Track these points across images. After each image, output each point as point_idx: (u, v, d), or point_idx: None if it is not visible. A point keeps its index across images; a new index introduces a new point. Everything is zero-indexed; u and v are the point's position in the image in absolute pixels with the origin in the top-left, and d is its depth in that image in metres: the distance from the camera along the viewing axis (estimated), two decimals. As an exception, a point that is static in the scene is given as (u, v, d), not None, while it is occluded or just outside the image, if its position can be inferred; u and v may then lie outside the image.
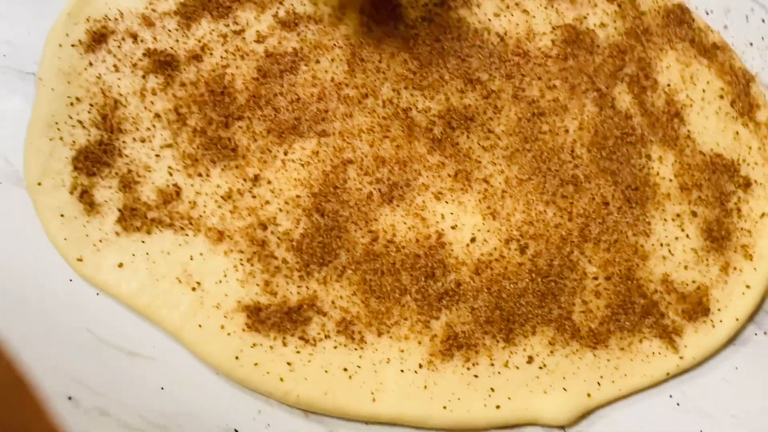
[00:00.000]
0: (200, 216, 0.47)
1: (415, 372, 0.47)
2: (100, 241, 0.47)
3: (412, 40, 0.51)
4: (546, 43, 0.52)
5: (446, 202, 0.49)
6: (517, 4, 0.52)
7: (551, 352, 0.48)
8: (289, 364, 0.46)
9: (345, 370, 0.46)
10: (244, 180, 0.48)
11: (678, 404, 0.49)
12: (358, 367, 0.46)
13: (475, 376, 0.47)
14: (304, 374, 0.46)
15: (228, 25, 0.50)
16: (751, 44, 0.56)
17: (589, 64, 0.52)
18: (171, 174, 0.48)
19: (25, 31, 0.49)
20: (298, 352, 0.46)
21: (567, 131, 0.51)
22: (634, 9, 0.54)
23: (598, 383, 0.48)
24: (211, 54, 0.49)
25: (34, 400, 0.26)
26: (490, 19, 0.52)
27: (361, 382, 0.46)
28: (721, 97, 0.53)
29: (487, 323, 0.48)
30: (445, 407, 0.46)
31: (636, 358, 0.48)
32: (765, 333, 0.51)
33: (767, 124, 0.53)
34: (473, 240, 0.49)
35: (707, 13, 0.55)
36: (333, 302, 0.47)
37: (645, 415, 0.49)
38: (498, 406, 0.46)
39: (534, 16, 0.52)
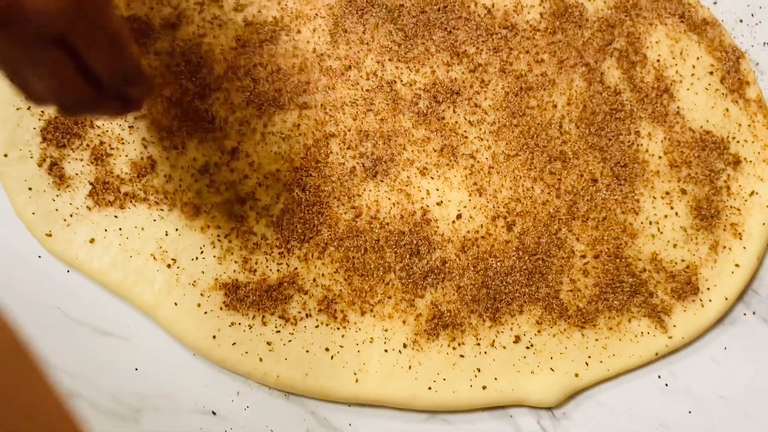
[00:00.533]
0: (176, 190, 0.45)
1: (399, 352, 0.45)
2: (71, 215, 0.45)
3: (396, 11, 0.49)
4: (534, 16, 0.51)
5: (431, 178, 0.48)
6: (504, -24, 0.51)
7: (539, 331, 0.47)
8: (268, 344, 0.44)
9: (327, 350, 0.45)
10: (222, 153, 0.46)
11: (666, 385, 0.48)
12: (341, 346, 0.45)
13: (461, 356, 0.46)
14: (284, 354, 0.44)
15: (205, -7, 0.48)
16: (741, 21, 0.55)
17: (578, 38, 0.51)
18: (145, 146, 0.46)
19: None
20: (278, 331, 0.45)
21: (555, 106, 0.50)
22: (623, -18, 0.52)
23: (586, 363, 0.47)
24: (187, 22, 0.47)
25: (31, 365, 0.26)
26: (477, -9, 0.50)
27: (343, 362, 0.45)
28: (711, 73, 0.52)
29: (473, 302, 0.46)
30: (430, 388, 0.45)
31: (624, 338, 0.48)
32: (754, 313, 0.50)
33: (757, 101, 0.52)
34: (459, 217, 0.47)
35: (697, -11, 0.54)
36: (314, 280, 0.45)
37: (633, 396, 0.48)
38: (484, 387, 0.45)
39: (522, -12, 0.51)
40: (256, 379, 0.44)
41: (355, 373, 0.45)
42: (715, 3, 0.55)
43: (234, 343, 0.44)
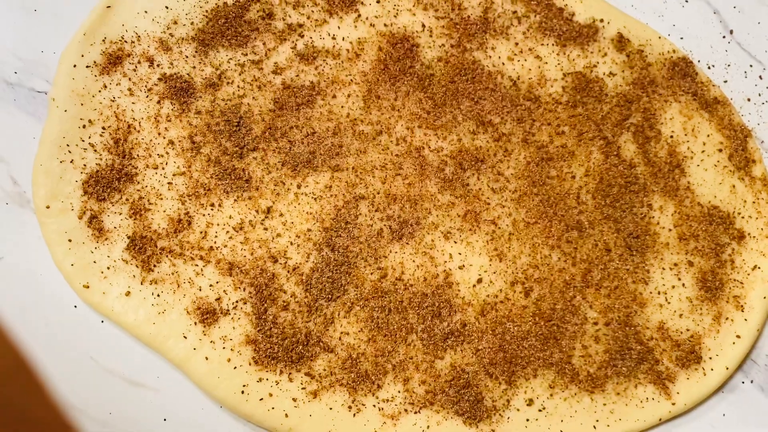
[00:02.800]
0: (211, 247, 0.47)
1: (416, 413, 0.47)
2: (108, 268, 0.46)
3: (427, 80, 0.51)
4: (557, 89, 0.53)
5: (455, 242, 0.50)
6: (530, 50, 0.53)
7: (551, 395, 0.49)
8: (294, 400, 0.46)
9: (349, 408, 0.46)
10: (257, 212, 0.48)
11: (668, 448, 0.51)
12: (363, 405, 0.47)
13: (477, 417, 0.48)
14: (309, 411, 0.46)
15: (246, 55, 0.50)
16: (749, 100, 0.58)
17: (597, 112, 0.54)
18: (183, 203, 0.47)
19: (38, 48, 0.48)
20: (303, 388, 0.46)
21: (573, 177, 0.52)
22: (641, 60, 0.55)
23: (594, 427, 0.49)
24: (228, 83, 0.49)
25: (36, 383, 0.27)
26: (503, 63, 0.53)
27: (365, 420, 0.46)
28: (720, 150, 0.55)
29: (490, 365, 0.49)
30: None
31: (630, 403, 0.50)
32: (752, 381, 0.53)
33: (762, 179, 0.55)
34: (480, 281, 0.50)
35: (708, 67, 0.57)
36: (340, 338, 0.47)
37: (636, 458, 0.50)
38: None
39: (546, 63, 0.53)
40: None
41: (375, 431, 0.46)
42: (725, 82, 0.57)
43: (261, 399, 0.46)
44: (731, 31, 0.57)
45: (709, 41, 0.57)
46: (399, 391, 0.47)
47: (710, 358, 0.51)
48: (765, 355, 0.54)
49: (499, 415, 0.48)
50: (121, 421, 0.45)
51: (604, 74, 0.54)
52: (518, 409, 0.48)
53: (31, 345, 0.45)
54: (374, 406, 0.47)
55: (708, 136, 0.55)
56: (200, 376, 0.45)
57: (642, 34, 0.56)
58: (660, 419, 0.50)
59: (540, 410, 0.48)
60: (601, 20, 0.55)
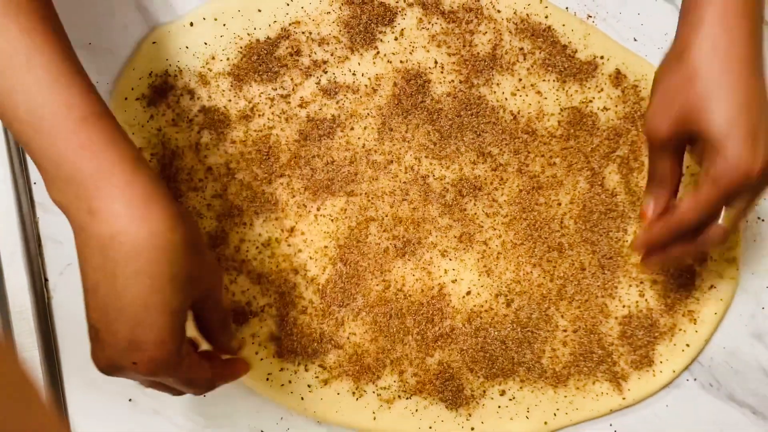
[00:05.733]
0: (243, 260, 0.56)
1: (408, 398, 0.58)
2: (158, 275, 0.55)
3: (435, 114, 0.58)
4: (553, 123, 0.59)
5: (450, 259, 0.58)
6: (532, 85, 0.59)
7: (520, 387, 0.59)
8: (308, 386, 0.57)
9: (353, 394, 0.57)
10: (282, 230, 0.56)
11: (615, 431, 0.62)
12: (364, 391, 0.57)
13: (457, 404, 0.58)
14: (321, 395, 0.57)
15: (275, 89, 0.56)
16: (732, 130, 0.63)
17: (588, 144, 0.60)
18: (219, 221, 0.56)
19: (93, 80, 0.55)
20: (317, 377, 0.57)
21: (559, 204, 0.59)
22: (635, 94, 0.60)
23: (554, 414, 0.60)
24: (259, 115, 0.56)
25: (40, 400, 0.26)
26: (506, 98, 0.58)
27: (365, 404, 0.57)
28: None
29: (472, 362, 0.59)
30: (430, 427, 0.58)
31: (587, 396, 0.60)
32: (695, 379, 0.63)
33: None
34: (468, 293, 0.59)
35: (699, 99, 0.62)
36: (348, 338, 0.57)
37: (587, 438, 0.61)
38: (472, 428, 0.58)
39: (546, 98, 0.59)
40: (297, 412, 0.57)
41: (373, 413, 0.58)
42: (712, 114, 0.63)
43: (282, 385, 0.56)
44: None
45: (699, 81, 0.61)
46: (394, 381, 0.58)
47: (661, 362, 0.61)
48: (709, 358, 0.63)
49: (476, 402, 0.59)
50: (171, 396, 0.56)
51: (598, 109, 0.60)
52: (492, 398, 0.59)
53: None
54: (373, 392, 0.58)
55: (687, 167, 0.61)
56: (233, 364, 0.56)
57: (639, 69, 0.60)
58: (611, 410, 0.61)
59: (510, 399, 0.59)
60: (602, 57, 0.60)
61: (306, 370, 0.57)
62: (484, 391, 0.59)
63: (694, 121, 0.47)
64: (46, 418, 0.26)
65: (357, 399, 0.57)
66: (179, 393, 0.45)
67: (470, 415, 0.58)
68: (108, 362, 0.39)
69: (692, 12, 0.47)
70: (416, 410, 0.58)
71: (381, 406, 0.57)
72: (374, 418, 0.57)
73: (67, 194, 0.36)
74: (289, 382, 0.57)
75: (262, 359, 0.56)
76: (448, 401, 0.58)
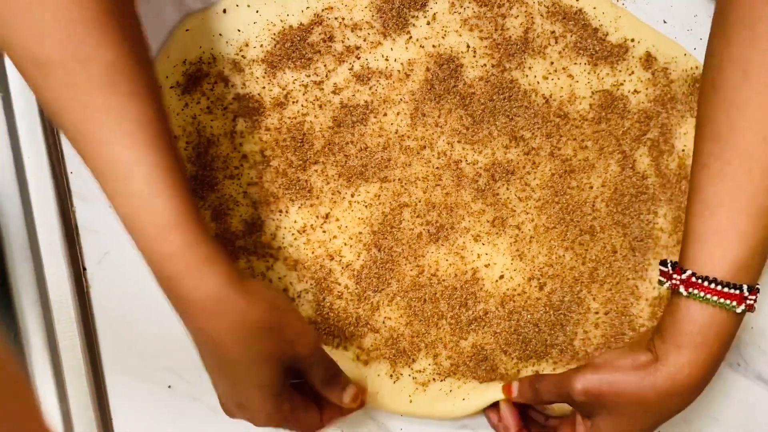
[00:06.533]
0: (279, 246, 0.57)
1: (442, 381, 0.58)
2: (196, 262, 0.56)
3: (468, 98, 0.58)
4: (584, 106, 0.59)
5: (483, 244, 0.59)
6: (564, 69, 0.59)
7: (554, 369, 0.60)
8: (346, 367, 0.57)
9: (390, 376, 0.58)
10: (317, 217, 0.57)
11: (645, 411, 0.62)
12: (401, 374, 0.58)
13: (491, 378, 0.59)
14: (360, 376, 0.57)
15: (309, 76, 0.56)
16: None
17: (619, 127, 0.60)
18: (256, 209, 0.56)
19: (128, 68, 0.55)
20: (357, 357, 0.57)
21: (591, 187, 0.60)
22: (665, 77, 0.60)
23: (586, 394, 0.60)
24: (293, 102, 0.56)
25: (29, 399, 0.27)
26: (538, 82, 0.58)
27: (402, 387, 0.58)
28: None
29: (506, 345, 0.59)
30: (464, 399, 0.58)
31: (619, 377, 0.61)
32: (738, 365, 0.63)
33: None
34: (501, 277, 0.59)
35: (728, 80, 0.62)
36: (383, 322, 0.58)
37: (618, 418, 0.62)
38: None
39: (577, 81, 0.59)
40: None
41: (409, 395, 0.58)
42: (741, 96, 0.63)
43: (320, 369, 0.57)
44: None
45: (730, 63, 0.61)
46: (429, 364, 0.59)
47: (690, 342, 0.61)
48: (736, 338, 0.63)
49: (509, 377, 0.59)
50: (206, 382, 0.56)
51: (629, 92, 0.60)
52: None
53: (136, 328, 0.56)
54: (409, 375, 0.58)
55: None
56: (271, 350, 0.56)
57: (669, 52, 0.60)
58: (641, 390, 0.61)
59: (543, 381, 0.59)
60: (632, 40, 0.60)
61: (345, 350, 0.57)
62: (518, 371, 0.59)
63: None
64: (33, 416, 0.26)
65: (394, 382, 0.58)
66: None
67: (500, 393, 0.59)
68: (229, 413, 0.48)
69: (677, 330, 0.48)
70: (450, 391, 0.58)
71: (417, 389, 0.58)
72: (410, 401, 0.58)
73: (164, 292, 0.43)
74: (329, 363, 0.57)
75: (299, 344, 0.57)
76: (482, 379, 0.59)
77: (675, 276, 0.48)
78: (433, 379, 0.59)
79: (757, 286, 0.48)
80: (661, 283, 0.50)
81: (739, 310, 0.46)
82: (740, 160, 0.46)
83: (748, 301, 0.47)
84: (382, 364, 0.58)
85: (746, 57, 0.45)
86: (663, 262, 0.50)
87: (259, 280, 0.47)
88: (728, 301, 0.46)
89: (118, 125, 0.37)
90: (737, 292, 0.46)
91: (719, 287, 0.46)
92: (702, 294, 0.46)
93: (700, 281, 0.46)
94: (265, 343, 0.42)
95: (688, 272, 0.47)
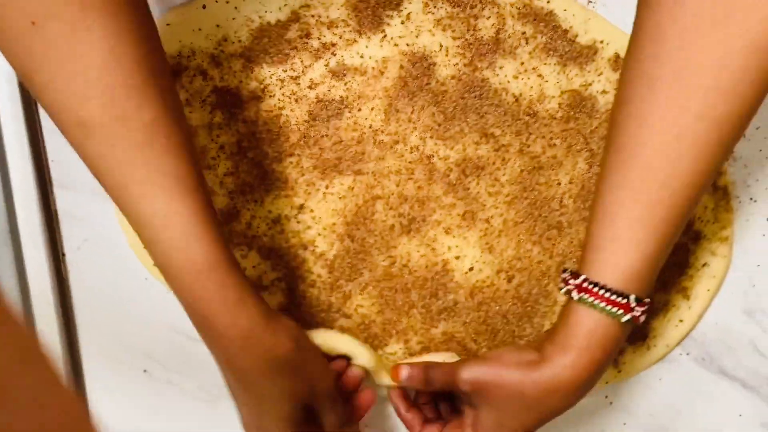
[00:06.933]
0: (254, 235, 0.58)
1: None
2: (172, 250, 0.57)
3: (440, 96, 0.60)
4: (554, 105, 0.61)
5: (453, 237, 0.60)
6: (534, 69, 0.61)
7: (520, 360, 0.61)
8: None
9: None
10: (291, 208, 0.58)
11: (611, 403, 0.64)
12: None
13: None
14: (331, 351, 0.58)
15: (286, 71, 0.58)
16: (726, 114, 0.65)
17: (587, 126, 0.62)
18: (231, 198, 0.58)
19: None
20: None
21: (559, 184, 0.62)
22: (633, 78, 0.62)
23: (553, 385, 0.62)
24: (270, 96, 0.58)
25: (48, 367, 0.26)
26: (509, 81, 0.60)
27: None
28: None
29: (475, 334, 0.61)
30: None
31: (584, 369, 0.62)
32: (688, 354, 0.65)
33: (723, 188, 0.64)
34: (471, 269, 0.61)
35: (695, 83, 0.64)
36: (355, 309, 0.59)
37: (583, 409, 0.64)
38: None
39: (547, 81, 0.61)
40: None
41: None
42: (707, 98, 0.65)
43: (292, 356, 0.58)
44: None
45: (695, 65, 0.63)
46: (400, 348, 0.60)
47: (655, 336, 0.63)
48: (701, 333, 0.65)
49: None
50: (184, 367, 0.58)
51: (597, 92, 0.62)
52: (493, 370, 0.61)
53: (111, 313, 0.57)
54: (381, 355, 0.60)
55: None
56: (245, 336, 0.58)
57: (637, 54, 0.62)
58: (607, 382, 0.63)
59: (510, 371, 0.61)
60: (602, 41, 0.62)
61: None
62: (486, 362, 0.61)
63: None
64: (53, 384, 0.26)
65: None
66: None
67: None
68: None
69: (563, 332, 0.48)
70: None
71: (388, 367, 0.59)
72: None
73: (194, 321, 0.45)
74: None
75: (272, 331, 0.58)
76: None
77: (570, 281, 0.49)
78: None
79: (646, 299, 0.48)
80: (560, 289, 0.51)
81: (623, 320, 0.47)
82: (640, 171, 0.46)
83: (634, 312, 0.47)
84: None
85: (653, 74, 0.46)
86: (564, 270, 0.51)
87: (287, 318, 0.49)
88: (615, 309, 0.47)
89: (155, 180, 0.40)
90: (624, 301, 0.47)
91: (607, 294, 0.47)
92: (591, 299, 0.47)
93: (590, 287, 0.47)
94: (289, 378, 0.45)
95: (582, 278, 0.48)
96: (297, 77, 0.58)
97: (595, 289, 0.47)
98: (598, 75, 0.62)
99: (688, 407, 0.66)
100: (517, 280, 0.61)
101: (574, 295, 0.48)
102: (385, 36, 0.59)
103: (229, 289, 0.43)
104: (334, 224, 0.59)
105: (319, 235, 0.59)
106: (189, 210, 0.41)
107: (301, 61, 0.58)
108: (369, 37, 0.59)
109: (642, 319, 0.48)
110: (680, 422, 0.65)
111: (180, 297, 0.43)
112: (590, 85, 0.62)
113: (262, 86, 0.58)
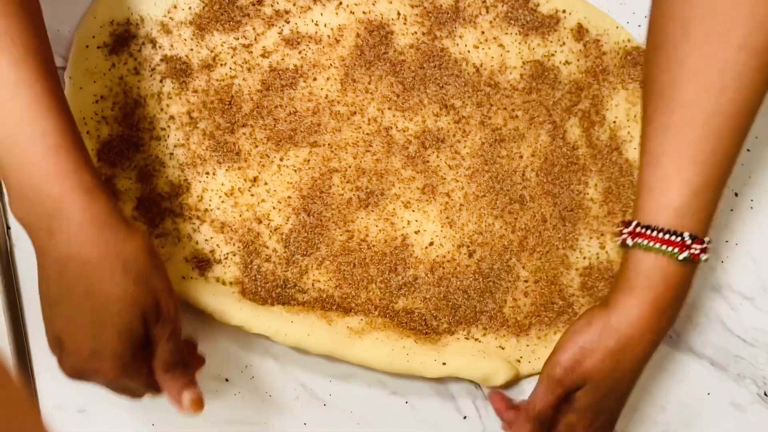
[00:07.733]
0: (206, 209, 0.57)
1: (379, 332, 0.57)
2: (122, 223, 0.56)
3: (398, 66, 0.58)
4: (515, 76, 0.60)
5: (413, 211, 0.59)
6: (495, 38, 0.59)
7: (484, 334, 0.60)
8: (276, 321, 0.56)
9: (324, 320, 0.56)
10: (245, 180, 0.57)
11: (576, 381, 0.63)
12: (332, 320, 0.57)
13: (427, 341, 0.58)
14: (292, 321, 0.56)
15: (237, 39, 0.56)
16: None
17: (550, 98, 0.60)
18: (182, 170, 0.56)
19: (55, 28, 0.55)
20: (287, 312, 0.56)
21: (521, 157, 0.60)
22: (597, 49, 0.61)
23: (518, 361, 0.60)
24: (221, 64, 0.56)
25: (26, 403, 0.28)
26: (469, 51, 0.59)
27: (336, 330, 0.56)
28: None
29: (435, 310, 0.59)
30: (407, 354, 0.57)
31: (549, 346, 0.61)
32: (654, 331, 0.64)
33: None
34: (431, 244, 0.59)
35: (661, 54, 0.63)
36: (312, 285, 0.58)
37: (549, 387, 0.62)
38: (444, 363, 0.58)
39: (508, 51, 0.59)
40: (270, 335, 0.55)
41: (347, 339, 0.56)
42: (673, 69, 0.63)
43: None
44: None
45: (660, 35, 0.62)
46: (361, 320, 0.58)
47: (620, 312, 0.62)
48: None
49: (443, 343, 0.59)
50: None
51: (560, 63, 0.61)
52: (458, 339, 0.59)
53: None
54: (343, 325, 0.58)
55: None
56: (207, 306, 0.55)
57: (601, 24, 0.61)
58: (571, 359, 0.62)
59: (475, 341, 0.59)
60: (564, 11, 0.60)
61: (272, 306, 0.57)
62: (452, 332, 0.59)
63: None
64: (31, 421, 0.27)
65: (329, 324, 0.56)
66: (142, 395, 0.48)
67: (438, 353, 0.58)
68: (73, 370, 0.43)
69: (624, 278, 0.49)
70: (387, 339, 0.57)
71: (349, 336, 0.57)
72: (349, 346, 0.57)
73: (30, 214, 0.40)
74: (258, 317, 0.56)
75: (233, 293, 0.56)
76: (418, 335, 0.58)
77: (624, 231, 0.50)
78: (368, 331, 0.57)
79: (705, 238, 0.48)
80: (617, 243, 0.51)
81: (680, 258, 0.47)
82: (682, 110, 0.47)
83: (692, 250, 0.47)
84: (311, 314, 0.57)
85: (685, 15, 0.47)
86: (621, 223, 0.51)
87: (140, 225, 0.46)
88: (670, 248, 0.47)
89: (3, 45, 0.39)
90: (679, 239, 0.47)
91: (660, 234, 0.47)
92: (644, 242, 0.48)
93: (643, 230, 0.48)
94: (135, 283, 0.41)
95: (634, 224, 0.49)
96: (249, 45, 0.57)
97: (648, 232, 0.48)
98: (561, 45, 0.61)
99: (656, 386, 0.64)
100: (479, 255, 0.60)
101: (629, 241, 0.49)
102: (340, 3, 0.58)
103: (85, 173, 0.40)
104: (289, 197, 0.58)
105: (274, 208, 0.57)
106: (42, 83, 0.40)
107: (254, 29, 0.57)
108: (324, 5, 0.57)
109: (702, 257, 0.48)
110: (647, 401, 0.64)
111: (24, 176, 0.39)
112: (553, 55, 0.61)
113: (213, 54, 0.56)
